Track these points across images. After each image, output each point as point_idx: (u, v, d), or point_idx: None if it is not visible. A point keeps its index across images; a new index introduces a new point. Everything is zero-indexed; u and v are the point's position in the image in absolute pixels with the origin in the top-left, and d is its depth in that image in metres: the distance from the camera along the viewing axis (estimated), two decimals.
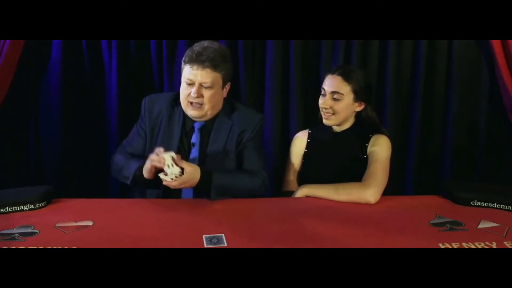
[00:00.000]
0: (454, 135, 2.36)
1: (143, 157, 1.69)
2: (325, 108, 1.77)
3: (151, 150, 1.72)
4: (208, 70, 1.64)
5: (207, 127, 1.77)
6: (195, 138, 1.76)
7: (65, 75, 2.35)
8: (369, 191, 1.61)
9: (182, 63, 1.70)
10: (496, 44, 2.17)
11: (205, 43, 1.69)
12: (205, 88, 1.66)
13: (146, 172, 1.58)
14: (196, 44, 1.69)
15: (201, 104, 1.67)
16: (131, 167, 1.67)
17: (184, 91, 1.68)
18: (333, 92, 1.75)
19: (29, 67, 2.34)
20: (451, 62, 2.31)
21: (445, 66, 2.32)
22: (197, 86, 1.65)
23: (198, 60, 1.64)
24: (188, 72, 1.66)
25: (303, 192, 1.70)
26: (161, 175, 1.54)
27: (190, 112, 1.70)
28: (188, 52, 1.68)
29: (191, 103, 1.68)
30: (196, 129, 1.76)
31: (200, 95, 1.66)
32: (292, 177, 1.88)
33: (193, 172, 1.56)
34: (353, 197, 1.62)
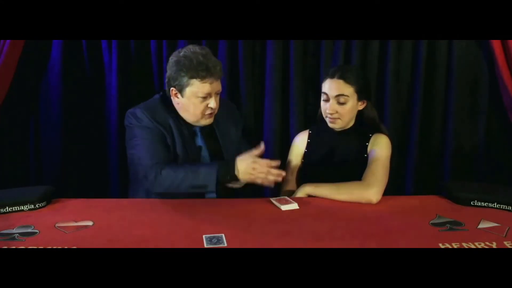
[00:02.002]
0: (454, 135, 2.36)
1: (187, 162, 1.70)
2: (331, 114, 1.76)
3: (178, 154, 1.72)
4: (219, 79, 1.68)
5: (206, 128, 1.79)
6: (200, 142, 1.79)
7: (65, 75, 2.35)
8: (371, 191, 1.61)
9: (185, 78, 1.64)
10: (496, 44, 2.17)
11: (195, 48, 1.67)
12: (217, 95, 1.70)
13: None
14: (190, 54, 1.65)
15: (214, 112, 1.72)
16: (204, 173, 1.58)
17: (200, 106, 1.67)
18: (338, 96, 1.73)
19: (29, 67, 2.34)
20: (451, 62, 2.31)
21: (445, 66, 2.32)
22: (214, 96, 1.69)
23: (214, 73, 1.64)
24: (202, 87, 1.64)
25: (305, 191, 1.70)
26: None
27: (205, 121, 1.73)
28: (194, 67, 1.62)
29: (207, 114, 1.70)
30: (198, 133, 1.78)
31: (217, 103, 1.70)
32: (291, 176, 1.88)
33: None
34: (355, 196, 1.62)
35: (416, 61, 2.32)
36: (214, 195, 1.60)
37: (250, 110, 2.40)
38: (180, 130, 1.73)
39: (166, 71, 2.31)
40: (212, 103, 1.67)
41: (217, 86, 1.68)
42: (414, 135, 2.37)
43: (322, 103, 1.80)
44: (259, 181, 1.57)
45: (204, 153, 1.79)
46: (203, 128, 1.78)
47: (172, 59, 1.70)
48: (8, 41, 2.15)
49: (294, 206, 1.58)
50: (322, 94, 1.79)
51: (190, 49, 1.67)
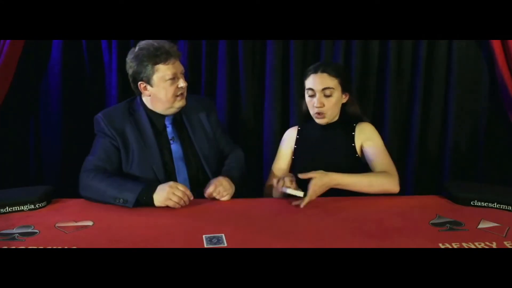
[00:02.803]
0: (454, 135, 2.36)
1: (123, 176, 1.71)
2: (319, 107, 1.78)
3: (129, 164, 1.73)
4: (179, 59, 1.76)
5: (177, 120, 1.82)
6: (171, 133, 1.80)
7: (65, 75, 2.35)
8: (395, 182, 1.68)
9: (149, 66, 1.70)
10: (496, 44, 2.17)
11: (148, 41, 1.75)
12: (182, 75, 1.76)
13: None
14: (145, 46, 1.73)
15: (184, 92, 1.77)
16: (129, 188, 1.60)
17: (170, 88, 1.72)
18: (324, 89, 1.77)
19: (29, 67, 2.34)
20: (451, 62, 2.31)
21: (445, 66, 2.32)
22: (180, 77, 1.75)
23: (173, 54, 1.72)
24: (167, 69, 1.71)
25: (325, 183, 1.62)
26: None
27: (179, 103, 1.76)
28: (153, 53, 1.70)
29: (179, 95, 1.75)
30: (169, 125, 1.81)
31: (185, 82, 1.76)
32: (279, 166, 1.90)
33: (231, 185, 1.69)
34: (385, 188, 1.66)
35: (416, 61, 2.32)
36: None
37: (250, 110, 2.40)
38: (144, 129, 1.75)
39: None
40: (181, 82, 1.73)
41: (180, 66, 1.76)
42: (414, 136, 2.37)
43: (307, 99, 1.83)
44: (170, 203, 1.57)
45: (176, 146, 1.79)
46: (174, 119, 1.81)
47: (129, 57, 1.76)
48: (8, 41, 2.15)
49: (299, 193, 1.59)
50: (306, 91, 1.82)
51: (143, 43, 1.76)
